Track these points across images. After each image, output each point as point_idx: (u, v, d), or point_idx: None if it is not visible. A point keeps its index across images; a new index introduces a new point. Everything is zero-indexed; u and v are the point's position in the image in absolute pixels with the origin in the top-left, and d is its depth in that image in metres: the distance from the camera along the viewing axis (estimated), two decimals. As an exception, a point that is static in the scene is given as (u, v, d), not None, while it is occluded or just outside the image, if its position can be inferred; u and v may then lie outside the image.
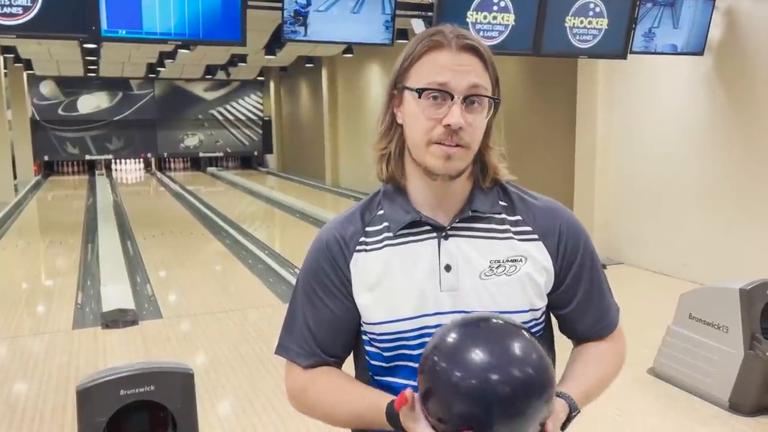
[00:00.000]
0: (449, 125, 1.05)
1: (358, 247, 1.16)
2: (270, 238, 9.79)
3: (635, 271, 6.67)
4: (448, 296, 1.11)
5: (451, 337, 0.99)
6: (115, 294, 5.72)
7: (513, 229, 1.15)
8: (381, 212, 1.18)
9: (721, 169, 5.85)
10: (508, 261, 1.12)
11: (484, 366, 0.94)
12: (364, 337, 1.18)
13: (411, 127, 1.10)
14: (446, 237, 1.13)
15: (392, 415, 1.04)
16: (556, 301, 1.19)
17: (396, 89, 1.13)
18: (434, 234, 1.14)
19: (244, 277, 6.85)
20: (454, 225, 1.14)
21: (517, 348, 0.97)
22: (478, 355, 0.95)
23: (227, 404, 3.70)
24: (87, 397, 2.16)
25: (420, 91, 1.06)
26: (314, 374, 1.17)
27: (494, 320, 1.03)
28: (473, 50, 1.07)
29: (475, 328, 1.00)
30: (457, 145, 1.06)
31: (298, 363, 1.18)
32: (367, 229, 1.17)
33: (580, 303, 1.19)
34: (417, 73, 1.08)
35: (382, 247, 1.15)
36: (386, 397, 1.07)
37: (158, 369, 2.27)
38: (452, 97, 1.05)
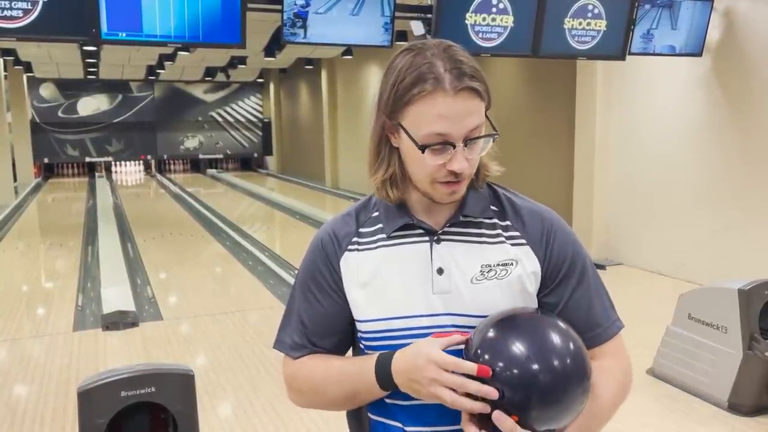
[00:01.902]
0: (453, 171, 1.07)
1: (350, 247, 1.19)
2: (270, 240, 9.79)
3: (634, 272, 6.68)
4: (439, 299, 1.12)
5: (492, 332, 1.04)
6: (116, 296, 5.73)
7: (504, 234, 1.17)
8: (376, 214, 1.20)
9: (720, 169, 5.86)
10: (499, 265, 1.14)
11: (524, 356, 0.99)
12: (357, 334, 1.20)
13: (413, 167, 1.12)
14: (438, 241, 1.15)
15: (382, 373, 1.08)
16: (541, 307, 1.18)
17: (387, 116, 1.11)
18: (426, 237, 1.16)
19: (244, 278, 6.86)
20: (446, 229, 1.16)
21: (555, 338, 1.02)
22: (518, 347, 1.00)
23: (228, 405, 3.71)
24: (88, 398, 2.16)
25: (423, 148, 1.06)
26: (303, 360, 1.20)
27: (531, 313, 1.09)
28: (470, 90, 1.05)
29: (513, 321, 1.05)
30: (461, 181, 1.10)
31: (290, 355, 1.21)
32: (361, 230, 1.20)
33: (563, 310, 1.16)
34: (414, 117, 1.07)
35: (376, 248, 1.17)
36: (375, 356, 1.11)
37: (159, 370, 2.28)
38: (454, 146, 1.06)
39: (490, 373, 0.99)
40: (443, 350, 1.04)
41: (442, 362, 1.01)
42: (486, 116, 1.10)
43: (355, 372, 1.13)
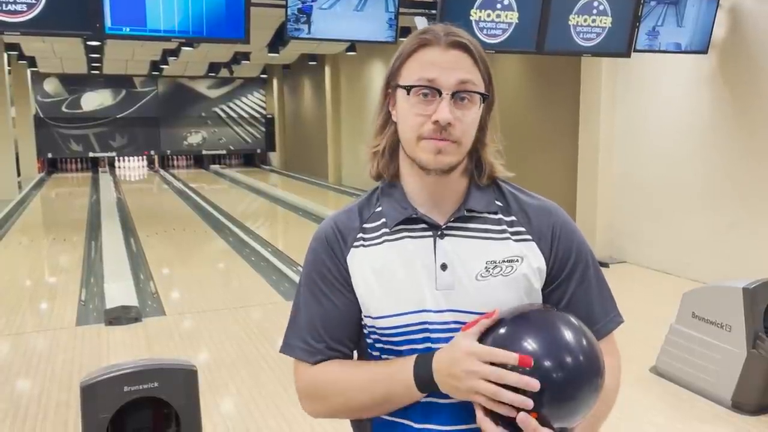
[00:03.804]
0: (438, 121, 1.06)
1: (355, 243, 1.17)
2: (273, 236, 9.79)
3: (638, 270, 6.66)
4: (443, 295, 1.11)
5: (504, 329, 1.02)
6: (119, 291, 5.73)
7: (510, 229, 1.15)
8: (379, 209, 1.19)
9: (725, 167, 5.84)
10: (504, 262, 1.12)
11: (536, 353, 0.97)
12: (364, 330, 1.17)
13: (402, 123, 1.12)
14: (442, 236, 1.13)
15: (422, 372, 1.05)
16: (544, 302, 1.17)
17: (390, 87, 1.14)
18: (430, 232, 1.14)
19: (247, 274, 6.86)
20: (450, 224, 1.14)
21: (568, 335, 1.01)
22: (530, 344, 0.99)
23: (230, 401, 3.71)
24: (91, 393, 2.17)
25: (409, 89, 1.08)
26: (323, 365, 1.16)
27: (544, 309, 1.08)
28: (462, 47, 1.09)
29: (525, 318, 1.04)
30: (447, 140, 1.08)
31: (305, 361, 1.16)
32: (365, 225, 1.18)
33: (566, 306, 1.15)
34: (407, 70, 1.10)
35: (381, 243, 1.15)
36: (411, 359, 1.08)
37: (162, 366, 2.28)
38: (440, 93, 1.07)
39: (532, 363, 0.96)
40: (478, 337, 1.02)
41: (480, 353, 0.99)
42: (491, 107, 1.11)
43: (389, 375, 1.09)
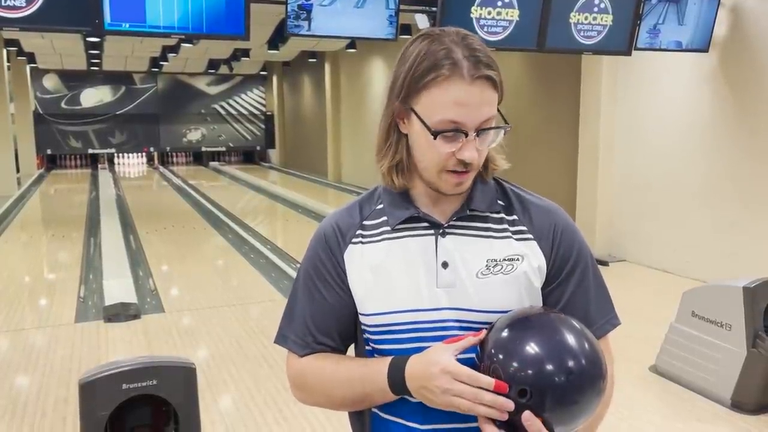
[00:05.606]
0: (463, 159, 1.06)
1: (354, 239, 1.17)
2: (272, 233, 9.79)
3: (638, 269, 6.66)
4: (444, 293, 1.11)
5: (505, 332, 1.02)
6: (118, 288, 5.73)
7: (511, 228, 1.15)
8: (380, 206, 1.19)
9: (725, 166, 5.84)
10: (505, 260, 1.12)
11: (538, 357, 0.97)
12: (362, 327, 1.18)
13: (422, 154, 1.11)
14: (444, 234, 1.13)
15: (395, 377, 1.07)
16: (542, 302, 1.17)
17: (398, 98, 1.10)
18: (432, 231, 1.14)
19: (246, 271, 6.86)
20: (452, 223, 1.14)
21: (570, 338, 1.00)
22: (532, 347, 0.98)
23: (229, 399, 3.71)
24: (89, 390, 2.16)
25: (435, 134, 1.05)
26: (311, 358, 1.18)
27: (546, 313, 1.08)
28: (487, 79, 1.05)
29: (528, 321, 1.04)
30: (469, 172, 1.09)
31: (295, 352, 1.20)
32: (365, 222, 1.18)
33: (563, 307, 1.15)
34: (428, 102, 1.06)
35: (381, 240, 1.16)
36: (386, 362, 1.09)
37: (160, 363, 2.27)
38: (466, 135, 1.05)
39: (508, 389, 0.97)
40: (458, 354, 1.03)
41: (456, 373, 0.99)
42: (497, 109, 1.09)
43: (366, 374, 1.11)
